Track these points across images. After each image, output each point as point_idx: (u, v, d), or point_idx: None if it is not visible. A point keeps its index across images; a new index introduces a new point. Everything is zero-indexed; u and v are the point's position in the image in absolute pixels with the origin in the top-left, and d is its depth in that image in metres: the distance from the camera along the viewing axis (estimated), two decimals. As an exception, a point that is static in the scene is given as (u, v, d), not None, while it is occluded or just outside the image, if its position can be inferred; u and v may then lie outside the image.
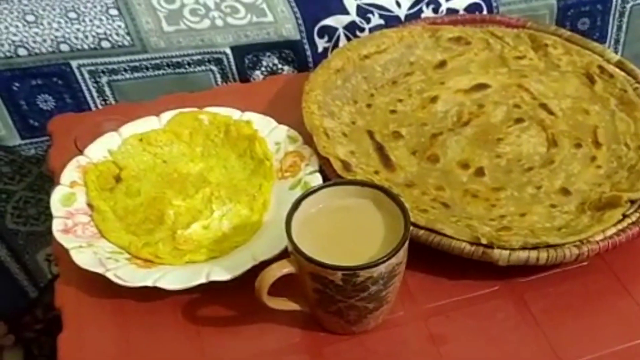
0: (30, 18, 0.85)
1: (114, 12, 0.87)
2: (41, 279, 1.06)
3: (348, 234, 0.56)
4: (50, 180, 0.79)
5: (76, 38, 0.86)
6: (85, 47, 0.86)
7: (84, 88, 0.89)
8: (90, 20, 0.87)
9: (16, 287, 1.05)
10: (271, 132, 0.73)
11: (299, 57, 0.95)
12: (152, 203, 0.67)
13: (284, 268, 0.53)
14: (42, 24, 0.85)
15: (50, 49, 0.85)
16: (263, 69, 0.95)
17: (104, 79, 0.89)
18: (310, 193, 0.57)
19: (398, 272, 0.54)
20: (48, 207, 0.65)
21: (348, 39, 0.95)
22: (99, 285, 0.60)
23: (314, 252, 0.52)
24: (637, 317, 0.60)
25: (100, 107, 0.91)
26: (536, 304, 0.61)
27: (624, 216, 0.64)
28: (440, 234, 0.61)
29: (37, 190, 0.98)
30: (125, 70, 0.89)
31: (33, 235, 1.01)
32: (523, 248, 0.60)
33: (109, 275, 0.58)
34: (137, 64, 0.89)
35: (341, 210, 0.57)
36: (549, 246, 0.60)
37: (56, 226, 0.62)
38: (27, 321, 1.13)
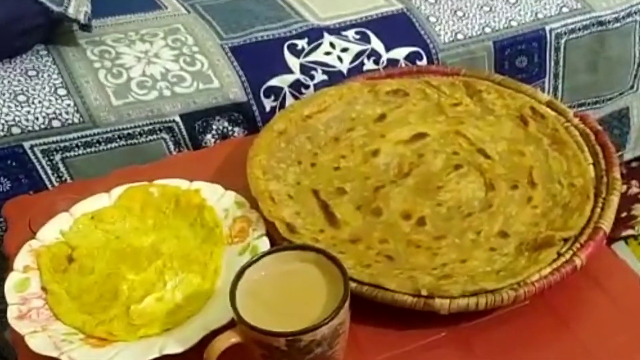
0: (-20, 104, 0.88)
1: (62, 91, 0.90)
2: (11, 357, 1.06)
3: (292, 299, 0.58)
4: (10, 261, 0.81)
5: (27, 120, 0.88)
6: (37, 127, 0.89)
7: (38, 167, 0.91)
8: (40, 102, 0.89)
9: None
10: (219, 200, 0.76)
11: (247, 118, 0.98)
12: (106, 280, 0.69)
13: (231, 338, 0.55)
14: (-8, 109, 0.88)
15: (1, 133, 0.88)
16: (214, 132, 0.97)
17: (57, 157, 0.92)
18: (253, 262, 0.59)
19: (342, 332, 0.56)
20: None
21: (294, 96, 0.99)
22: (56, 369, 0.61)
23: (258, 319, 0.54)
24: (579, 353, 0.63)
25: (55, 183, 0.93)
26: (481, 347, 0.63)
27: (559, 254, 0.66)
28: (384, 288, 0.63)
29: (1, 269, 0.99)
30: (77, 146, 0.92)
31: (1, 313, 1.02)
32: (463, 296, 0.62)
33: (64, 358, 0.59)
34: (89, 139, 0.92)
35: (284, 276, 0.59)
36: (487, 292, 0.62)
37: (11, 313, 0.64)
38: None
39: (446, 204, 0.75)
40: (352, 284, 0.64)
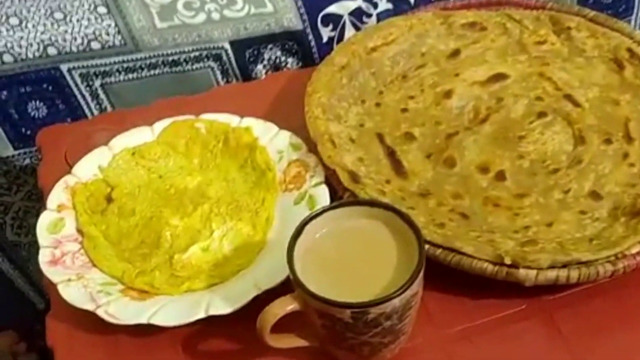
0: (13, 21, 0.80)
1: (102, 10, 0.82)
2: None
3: (357, 262, 0.51)
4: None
5: (64, 40, 0.81)
6: (74, 49, 0.81)
7: (77, 93, 0.84)
8: (78, 21, 0.81)
9: (23, 300, 1.02)
10: (272, 139, 0.68)
11: (303, 48, 0.89)
12: (148, 224, 0.63)
13: (287, 306, 0.48)
14: (26, 27, 0.80)
15: (37, 54, 0.80)
16: (265, 62, 0.89)
17: (96, 82, 0.84)
18: (313, 217, 0.51)
19: (414, 303, 0.49)
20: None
21: (355, 26, 0.89)
22: (91, 320, 0.55)
23: (319, 285, 0.47)
24: (680, 336, 0.55)
25: (95, 111, 0.86)
26: (567, 324, 0.56)
27: (663, 223, 0.58)
28: (460, 252, 0.55)
29: (36, 199, 0.93)
30: (118, 71, 0.84)
31: (36, 245, 0.97)
32: (552, 267, 0.54)
33: (100, 312, 0.54)
34: (130, 64, 0.84)
35: (349, 234, 0.52)
36: (580, 263, 0.54)
37: (43, 257, 0.58)
38: (39, 329, 1.09)
39: (529, 157, 0.66)
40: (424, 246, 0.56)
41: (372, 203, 0.53)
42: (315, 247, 0.51)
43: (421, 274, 0.48)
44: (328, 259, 0.51)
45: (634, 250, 0.56)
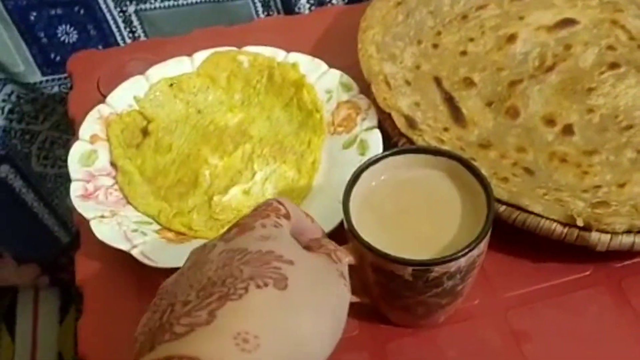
0: (45, -62, 0.75)
1: None
2: (72, 223, 0.99)
3: (417, 214, 0.46)
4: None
5: (97, -41, 0.75)
6: (109, -30, 0.76)
7: (109, 18, 0.80)
8: (113, -62, 0.76)
9: (47, 233, 0.99)
10: (321, 78, 0.63)
11: (350, -19, 0.83)
12: (186, 161, 0.58)
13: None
14: (59, -56, 0.75)
15: (69, -26, 0.75)
16: (309, -4, 0.83)
17: (130, 8, 0.79)
18: (371, 163, 0.47)
19: (478, 264, 0.45)
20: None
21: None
22: (123, 259, 0.52)
23: (377, 237, 0.43)
24: None
25: (127, 39, 0.82)
26: (637, 294, 0.51)
27: None
28: (526, 211, 0.51)
29: (64, 130, 0.90)
30: (154, -3, 0.79)
31: (62, 178, 0.94)
32: (628, 231, 0.49)
33: (135, 253, 0.50)
34: (167, -10, 0.79)
35: (409, 184, 0.47)
36: (658, 229, 0.50)
37: (74, 191, 0.54)
38: (63, 263, 1.07)
39: (599, 111, 0.60)
40: (487, 202, 0.51)
41: (435, 151, 0.48)
42: (372, 197, 0.46)
43: (489, 232, 0.44)
44: (386, 211, 0.46)
45: None
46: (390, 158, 0.48)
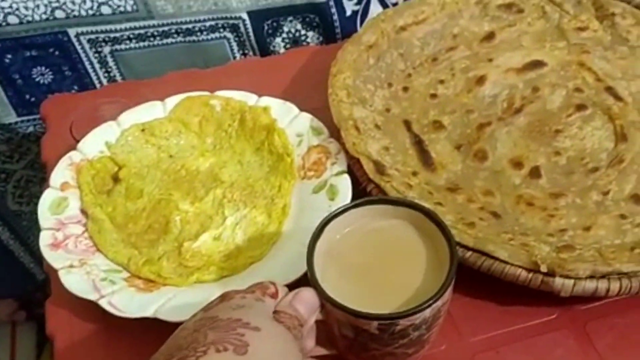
0: (20, -19, 0.75)
1: (115, -27, 0.77)
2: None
3: (383, 266, 0.46)
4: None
5: (72, 3, 0.76)
6: (83, 13, 0.76)
7: (84, 59, 0.80)
8: (88, -17, 0.76)
9: (23, 270, 0.98)
10: (292, 122, 0.64)
11: (324, 21, 0.84)
12: (156, 207, 0.59)
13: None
14: (34, -13, 0.75)
15: (44, 16, 0.76)
16: (284, 35, 0.84)
17: (106, 49, 0.80)
18: (334, 216, 0.47)
19: (443, 313, 0.45)
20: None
21: (380, 1, 0.84)
22: (94, 308, 0.51)
23: (342, 290, 0.43)
24: None
25: (103, 80, 0.82)
26: (601, 338, 0.52)
27: None
28: (492, 257, 0.51)
29: (39, 168, 0.90)
30: (129, 38, 0.79)
31: (37, 215, 0.93)
32: (591, 277, 0.50)
33: (103, 303, 0.50)
34: (142, 31, 0.79)
35: (373, 236, 0.48)
36: (621, 274, 0.50)
37: (44, 240, 0.54)
38: (39, 298, 1.07)
39: (566, 154, 0.61)
40: (453, 248, 0.52)
41: (398, 202, 0.48)
42: (336, 250, 0.47)
43: (453, 282, 0.44)
44: (351, 263, 0.47)
45: (679, 263, 0.51)
46: (354, 210, 0.48)
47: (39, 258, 0.97)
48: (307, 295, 0.43)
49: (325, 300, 0.43)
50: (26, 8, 0.75)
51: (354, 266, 0.46)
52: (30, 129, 0.84)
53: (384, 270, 0.46)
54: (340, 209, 0.47)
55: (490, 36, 0.72)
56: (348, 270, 0.46)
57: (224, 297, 0.40)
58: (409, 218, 0.48)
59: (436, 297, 0.42)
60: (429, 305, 0.42)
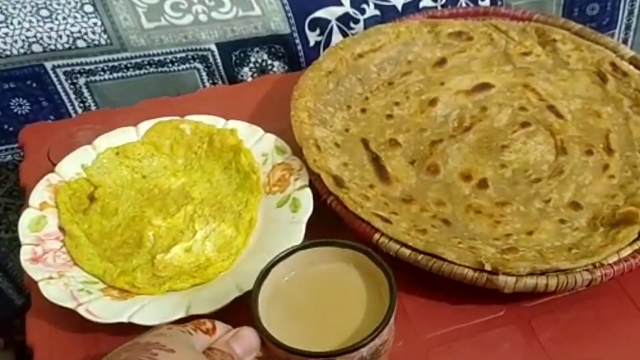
0: (-1, 17, 0.80)
1: (89, 8, 0.81)
2: (26, 285, 1.01)
3: (326, 306, 0.49)
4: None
5: (49, 37, 0.80)
6: (59, 46, 0.81)
7: (60, 90, 0.84)
8: (64, 18, 0.81)
9: (1, 297, 1.00)
10: (257, 142, 0.68)
11: (289, 52, 0.89)
12: (131, 224, 0.62)
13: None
14: (12, 23, 0.79)
15: (21, 50, 0.80)
16: (252, 65, 0.89)
17: (81, 81, 0.84)
18: (280, 259, 0.49)
19: (385, 351, 0.47)
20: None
21: (342, 31, 0.89)
22: (72, 318, 0.55)
23: (287, 330, 0.46)
24: (656, 346, 0.56)
25: (79, 110, 0.86)
26: (545, 331, 0.56)
27: (640, 234, 0.59)
28: (441, 258, 0.56)
29: (17, 196, 0.93)
30: (103, 70, 0.84)
31: (15, 242, 0.95)
32: (531, 274, 0.55)
33: (81, 310, 0.53)
34: (116, 63, 0.84)
35: (318, 277, 0.50)
36: (559, 271, 0.55)
37: (24, 254, 0.57)
38: (17, 325, 1.08)
39: (511, 166, 0.67)
40: (406, 251, 0.57)
41: (342, 244, 0.50)
42: (282, 292, 0.49)
43: (392, 321, 0.46)
44: (296, 304, 0.49)
45: (611, 260, 0.56)
46: (300, 252, 0.50)
47: (17, 283, 0.99)
48: (246, 334, 0.44)
49: (266, 338, 0.45)
50: (4, 43, 0.79)
51: (298, 307, 0.48)
52: (9, 157, 0.88)
53: (327, 310, 0.48)
54: (286, 252, 0.49)
55: (442, 62, 0.77)
56: (293, 311, 0.48)
57: (153, 328, 0.42)
58: (353, 259, 0.50)
59: (372, 336, 0.44)
60: (365, 344, 0.44)
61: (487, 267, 0.55)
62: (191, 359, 0.40)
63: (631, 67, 0.74)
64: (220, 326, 0.45)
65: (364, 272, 0.49)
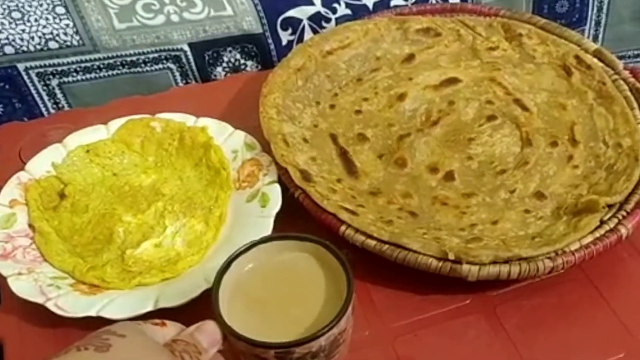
0: (-30, 20, 0.80)
1: (60, 10, 0.82)
2: None
3: (286, 297, 0.49)
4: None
5: (21, 39, 0.81)
6: (32, 48, 0.81)
7: (33, 92, 0.84)
8: (36, 20, 0.81)
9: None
10: (227, 139, 0.69)
11: (261, 51, 0.90)
12: (101, 220, 0.63)
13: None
14: (-17, 25, 0.80)
15: (-6, 52, 0.80)
16: (225, 64, 0.90)
17: (53, 82, 0.84)
18: (241, 253, 0.49)
19: (343, 340, 0.48)
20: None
21: (314, 30, 0.90)
22: (42, 314, 0.55)
23: (247, 322, 0.46)
24: (617, 330, 0.57)
25: (52, 110, 0.86)
26: (509, 319, 0.57)
27: (602, 222, 0.60)
28: (406, 248, 0.57)
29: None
30: (76, 71, 0.84)
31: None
32: (494, 262, 0.56)
33: (49, 305, 0.54)
34: (88, 64, 0.84)
35: (277, 269, 0.50)
36: (521, 259, 0.56)
37: (-7, 251, 0.58)
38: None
39: (477, 159, 0.68)
40: (372, 242, 0.58)
41: (300, 237, 0.50)
42: (242, 283, 0.49)
43: (349, 311, 0.47)
44: (256, 297, 0.49)
45: (572, 247, 0.57)
46: (261, 245, 0.50)
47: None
48: (209, 327, 0.45)
49: (226, 330, 0.45)
50: (-24, 45, 0.79)
51: (259, 299, 0.49)
52: (-18, 160, 0.88)
53: (287, 302, 0.48)
54: (246, 246, 0.50)
55: (410, 58, 0.79)
56: (253, 304, 0.48)
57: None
58: (313, 252, 0.50)
59: (330, 326, 0.45)
60: (323, 334, 0.44)
61: (451, 256, 0.56)
62: (141, 343, 0.41)
63: (595, 60, 0.75)
64: (170, 323, 0.45)
65: (323, 264, 0.50)
